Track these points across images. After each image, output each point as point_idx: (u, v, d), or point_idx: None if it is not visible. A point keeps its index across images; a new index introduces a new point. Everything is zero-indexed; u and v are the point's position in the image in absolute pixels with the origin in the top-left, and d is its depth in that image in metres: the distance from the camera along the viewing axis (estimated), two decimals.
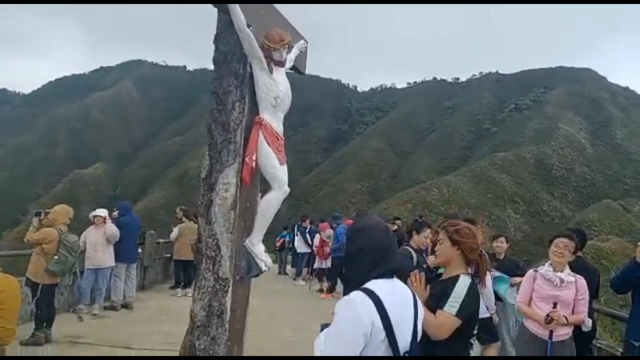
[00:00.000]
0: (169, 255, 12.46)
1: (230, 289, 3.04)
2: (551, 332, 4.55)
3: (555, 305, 4.56)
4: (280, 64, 3.28)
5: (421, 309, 2.47)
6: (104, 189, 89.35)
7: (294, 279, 15.10)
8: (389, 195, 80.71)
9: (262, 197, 3.40)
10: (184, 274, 11.07)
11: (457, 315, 3.06)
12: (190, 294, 10.87)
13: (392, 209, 63.14)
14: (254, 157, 3.09)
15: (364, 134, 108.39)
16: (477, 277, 3.26)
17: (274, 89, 3.18)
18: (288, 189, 3.25)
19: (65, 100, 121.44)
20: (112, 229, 8.85)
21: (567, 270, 4.60)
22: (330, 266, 12.14)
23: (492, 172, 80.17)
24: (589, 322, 4.67)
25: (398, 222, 12.07)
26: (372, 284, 2.23)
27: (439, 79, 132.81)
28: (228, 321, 3.03)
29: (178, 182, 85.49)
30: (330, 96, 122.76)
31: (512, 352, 5.83)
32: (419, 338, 2.37)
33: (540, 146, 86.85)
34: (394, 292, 2.28)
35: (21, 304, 4.76)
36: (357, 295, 2.19)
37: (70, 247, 6.48)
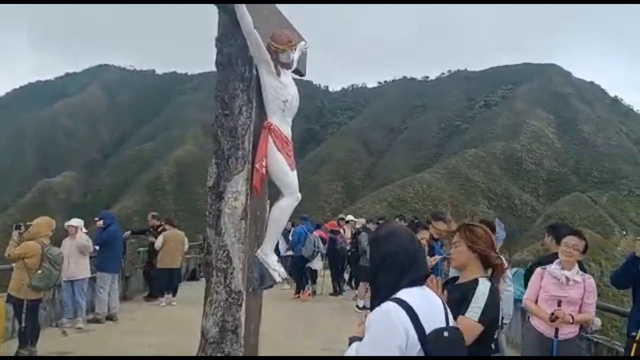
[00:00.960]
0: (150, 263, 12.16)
1: (244, 303, 2.91)
2: (557, 330, 4.52)
3: (559, 304, 4.53)
4: (287, 66, 3.16)
5: (450, 316, 2.40)
6: (74, 197, 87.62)
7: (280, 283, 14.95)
8: (364, 194, 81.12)
9: (270, 204, 3.28)
10: (168, 283, 10.81)
11: (479, 320, 2.98)
12: (174, 303, 10.71)
13: (368, 208, 63.51)
14: (264, 164, 2.96)
15: (337, 133, 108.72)
16: (495, 281, 3.19)
17: (283, 92, 3.06)
18: (300, 195, 3.13)
19: (31, 108, 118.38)
20: (83, 240, 8.51)
21: (576, 269, 4.57)
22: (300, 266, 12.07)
23: (464, 168, 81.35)
24: (598, 322, 4.66)
25: (380, 221, 12.06)
26: (404, 294, 2.14)
27: (409, 77, 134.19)
28: (243, 336, 2.90)
29: (150, 188, 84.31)
30: (302, 97, 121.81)
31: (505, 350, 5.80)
32: None
33: (510, 141, 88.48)
34: (426, 301, 2.20)
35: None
36: (390, 306, 2.10)
37: (54, 261, 6.21)
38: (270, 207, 3.24)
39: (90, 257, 9.29)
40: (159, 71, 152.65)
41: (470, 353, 3.10)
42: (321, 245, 11.95)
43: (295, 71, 3.54)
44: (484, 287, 3.06)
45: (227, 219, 2.95)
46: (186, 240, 11.06)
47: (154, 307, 10.68)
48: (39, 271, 6.04)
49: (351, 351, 2.21)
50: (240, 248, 2.92)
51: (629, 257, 4.45)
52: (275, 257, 3.14)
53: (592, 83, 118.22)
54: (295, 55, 3.28)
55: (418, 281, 2.24)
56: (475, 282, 3.09)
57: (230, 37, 3.05)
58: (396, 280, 2.19)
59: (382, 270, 2.26)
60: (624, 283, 4.53)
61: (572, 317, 4.44)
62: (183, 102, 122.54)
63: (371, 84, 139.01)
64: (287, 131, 3.13)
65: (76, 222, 8.88)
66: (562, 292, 4.54)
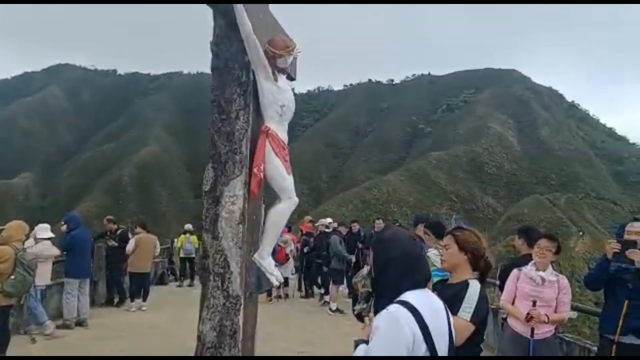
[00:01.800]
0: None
1: (242, 307, 2.91)
2: (533, 330, 4.66)
3: (534, 304, 4.68)
4: (284, 71, 3.18)
5: (451, 317, 2.47)
6: (33, 199, 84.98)
7: None
8: (330, 196, 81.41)
9: (265, 208, 3.29)
10: (140, 287, 10.62)
11: (471, 320, 3.07)
12: (144, 308, 10.53)
13: (334, 210, 63.69)
14: (262, 168, 2.97)
15: (302, 136, 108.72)
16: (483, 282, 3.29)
17: (280, 97, 3.08)
18: (297, 199, 3.15)
19: None
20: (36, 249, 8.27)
21: (550, 269, 4.73)
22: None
23: (428, 170, 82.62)
24: (573, 314, 4.83)
25: (354, 224, 12.10)
26: (409, 296, 2.20)
27: (374, 80, 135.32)
28: (240, 340, 2.90)
29: (111, 190, 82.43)
30: None
31: None
32: (453, 347, 2.37)
33: (472, 145, 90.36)
34: (429, 303, 2.27)
35: None
36: (397, 308, 2.16)
37: (27, 266, 6.02)
38: (266, 212, 3.25)
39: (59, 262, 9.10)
40: (120, 71, 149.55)
41: (462, 352, 3.21)
42: (292, 247, 11.98)
43: (287, 75, 3.56)
44: (474, 288, 3.15)
45: (224, 223, 2.95)
46: (158, 244, 10.89)
47: (124, 312, 10.48)
48: (12, 277, 5.84)
49: (359, 353, 2.26)
50: (238, 252, 2.92)
51: (601, 259, 4.61)
52: (272, 261, 3.16)
53: (550, 88, 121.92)
54: (290, 61, 3.30)
55: (421, 283, 2.31)
56: (465, 283, 3.18)
57: (226, 42, 3.05)
58: (400, 283, 2.25)
59: (386, 273, 2.31)
60: (597, 285, 4.69)
61: (548, 317, 4.58)
62: (146, 103, 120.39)
63: (337, 86, 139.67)
64: (283, 136, 3.15)
65: (43, 227, 8.66)
66: (538, 292, 4.68)
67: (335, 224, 11.88)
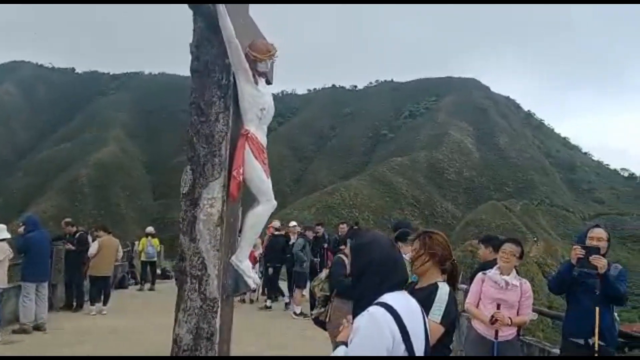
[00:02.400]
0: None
1: (219, 310, 2.91)
2: (497, 332, 4.81)
3: (499, 307, 4.83)
4: (264, 75, 3.21)
5: (426, 318, 2.53)
6: None
7: None
8: (292, 200, 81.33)
9: (242, 211, 3.29)
10: (101, 291, 10.37)
11: (441, 322, 3.15)
12: (105, 312, 10.30)
13: (296, 214, 63.68)
14: (241, 171, 2.98)
15: None
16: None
17: (260, 100, 3.09)
18: (275, 203, 3.17)
19: None
20: None
21: (514, 273, 4.89)
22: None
23: (390, 176, 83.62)
24: (534, 316, 5.01)
25: (319, 227, 12.12)
26: (388, 298, 2.26)
27: (337, 86, 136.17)
28: (217, 343, 2.90)
29: (68, 191, 79.99)
30: None
31: None
32: (429, 348, 2.43)
33: (433, 151, 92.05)
34: (407, 304, 2.33)
35: None
36: (377, 310, 2.21)
37: None
38: (243, 215, 3.26)
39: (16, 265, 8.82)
40: (79, 69, 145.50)
41: (432, 354, 3.29)
42: (261, 250, 11.92)
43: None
44: (443, 291, 3.24)
45: (202, 225, 2.94)
46: (120, 247, 10.68)
47: (84, 317, 10.23)
48: None
49: (338, 354, 2.29)
50: (215, 255, 2.92)
51: (564, 264, 4.78)
52: (249, 264, 3.16)
53: (508, 98, 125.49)
54: (270, 65, 3.33)
55: (399, 286, 2.37)
56: (435, 286, 3.27)
57: (207, 44, 3.05)
58: (379, 285, 2.30)
59: (366, 275, 2.36)
60: (561, 289, 4.86)
61: (511, 320, 4.74)
62: (105, 102, 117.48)
63: (301, 90, 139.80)
64: (262, 139, 3.17)
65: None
66: (502, 295, 4.84)
67: (299, 228, 11.86)
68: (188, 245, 2.96)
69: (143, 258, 15.01)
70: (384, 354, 2.15)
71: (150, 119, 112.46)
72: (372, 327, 2.17)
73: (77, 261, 10.65)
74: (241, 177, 2.99)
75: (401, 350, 2.19)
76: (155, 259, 15.06)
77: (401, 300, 2.30)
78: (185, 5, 2.96)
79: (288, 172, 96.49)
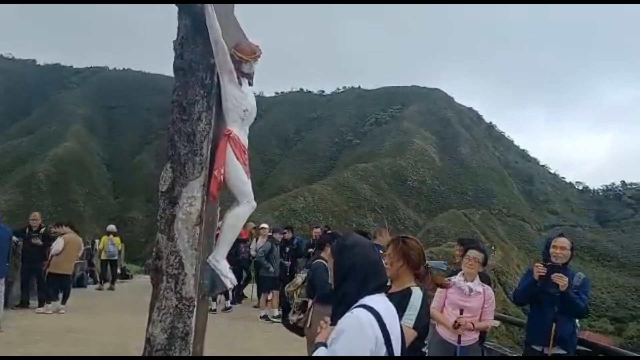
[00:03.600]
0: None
1: (195, 309, 2.89)
2: (459, 337, 4.92)
3: (462, 312, 4.94)
4: (248, 76, 3.21)
5: (400, 322, 2.59)
6: None
7: None
8: (256, 203, 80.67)
9: (220, 211, 3.29)
10: (60, 289, 10.08)
11: (414, 327, 3.20)
12: (62, 311, 9.99)
13: (260, 217, 63.15)
14: (222, 171, 2.97)
15: None
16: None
17: (243, 102, 3.10)
18: (255, 204, 3.18)
19: None
20: None
21: (477, 280, 5.02)
22: None
23: (354, 181, 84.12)
24: (495, 323, 5.15)
25: (287, 231, 12.03)
26: (370, 300, 2.30)
27: (305, 90, 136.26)
28: (191, 343, 2.88)
29: (24, 187, 77.19)
30: None
31: None
32: (405, 351, 2.49)
33: (397, 158, 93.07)
34: (387, 307, 2.38)
35: None
36: (361, 312, 2.24)
37: None
38: (221, 214, 3.25)
39: None
40: (40, 61, 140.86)
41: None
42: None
43: None
44: (417, 296, 3.30)
45: (180, 224, 2.92)
46: (82, 245, 10.39)
47: (40, 315, 9.91)
48: None
49: (319, 352, 2.31)
50: (193, 254, 2.91)
51: (526, 278, 4.91)
52: (227, 264, 3.16)
53: (470, 109, 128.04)
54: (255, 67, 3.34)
55: (379, 288, 2.42)
56: (408, 291, 3.33)
57: (192, 43, 3.04)
58: (361, 288, 2.34)
59: (349, 278, 2.39)
60: (524, 302, 5.01)
61: (473, 325, 4.86)
62: (66, 96, 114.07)
63: (268, 93, 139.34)
64: (244, 140, 3.18)
65: None
66: (465, 301, 4.96)
67: (270, 230, 11.72)
68: (165, 244, 2.94)
69: (103, 257, 14.66)
70: (367, 354, 2.19)
71: (112, 115, 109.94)
72: (356, 328, 2.20)
73: (39, 257, 10.33)
74: (222, 177, 2.99)
75: (382, 352, 2.23)
76: (116, 257, 14.73)
77: (382, 303, 2.34)
78: (163, 5, 2.95)
79: (252, 175, 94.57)
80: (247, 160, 3.18)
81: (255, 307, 11.55)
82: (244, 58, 3.08)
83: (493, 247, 65.04)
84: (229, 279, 3.09)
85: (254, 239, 11.66)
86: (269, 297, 10.40)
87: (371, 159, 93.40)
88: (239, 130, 3.12)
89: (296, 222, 60.78)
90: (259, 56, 3.21)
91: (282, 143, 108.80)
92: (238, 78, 3.09)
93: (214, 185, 2.95)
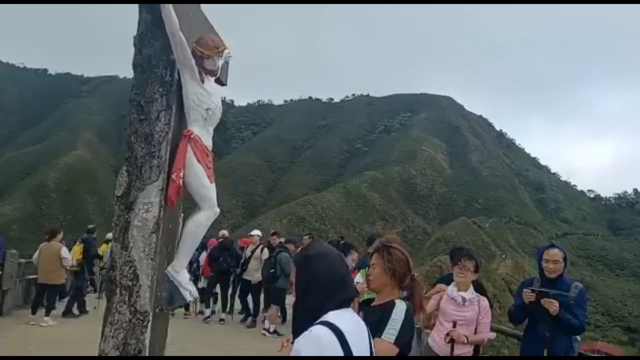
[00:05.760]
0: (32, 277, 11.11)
1: (149, 324, 2.66)
2: (452, 348, 4.65)
3: (455, 324, 4.66)
4: (212, 73, 2.99)
5: (372, 339, 2.36)
6: None
7: None
8: (264, 211, 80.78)
9: (183, 218, 3.06)
10: (48, 299, 9.92)
11: (395, 342, 2.97)
12: (44, 324, 9.73)
13: (268, 224, 63.27)
14: (181, 174, 2.75)
15: (240, 148, 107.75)
16: (411, 303, 3.21)
17: (206, 100, 2.88)
18: (218, 210, 2.95)
19: None
20: None
21: (471, 289, 4.74)
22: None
23: (363, 189, 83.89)
24: (492, 335, 4.87)
25: (275, 237, 11.51)
26: (334, 317, 2.07)
27: (314, 98, 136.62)
28: None
29: (34, 195, 77.82)
30: None
31: None
32: None
33: (406, 166, 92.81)
34: (354, 324, 2.15)
35: None
36: (321, 330, 2.01)
37: None
38: (184, 221, 3.03)
39: None
40: (51, 71, 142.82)
41: None
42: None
43: (216, 80, 3.37)
44: (399, 309, 3.05)
45: (136, 232, 2.70)
46: (64, 253, 10.02)
47: (35, 326, 9.72)
48: None
49: None
50: (149, 264, 2.68)
51: (519, 300, 4.66)
52: (187, 275, 2.93)
53: (480, 116, 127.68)
54: (220, 63, 3.13)
55: (345, 303, 2.18)
56: (391, 304, 3.08)
57: (151, 38, 2.83)
58: (324, 302, 2.11)
59: (309, 291, 2.17)
60: (519, 322, 4.77)
61: (467, 338, 4.58)
62: (77, 105, 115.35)
63: (277, 101, 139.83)
64: (207, 141, 2.95)
65: None
66: (459, 312, 4.68)
67: (258, 237, 11.22)
68: (119, 253, 2.71)
69: (103, 265, 14.45)
70: None
71: (123, 124, 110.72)
72: (313, 349, 1.98)
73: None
74: (181, 181, 2.77)
75: None
76: None
77: (347, 319, 2.11)
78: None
79: (261, 183, 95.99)
80: (211, 163, 2.95)
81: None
82: (206, 53, 2.87)
83: (504, 256, 64.39)
84: (189, 291, 2.86)
85: (259, 248, 10.94)
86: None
87: (380, 166, 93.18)
88: (201, 131, 2.89)
89: (305, 229, 60.57)
90: (222, 51, 2.99)
91: (291, 151, 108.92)
92: (200, 74, 2.87)
93: (172, 190, 2.73)
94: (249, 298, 11.01)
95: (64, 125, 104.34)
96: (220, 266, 10.69)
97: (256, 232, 11.38)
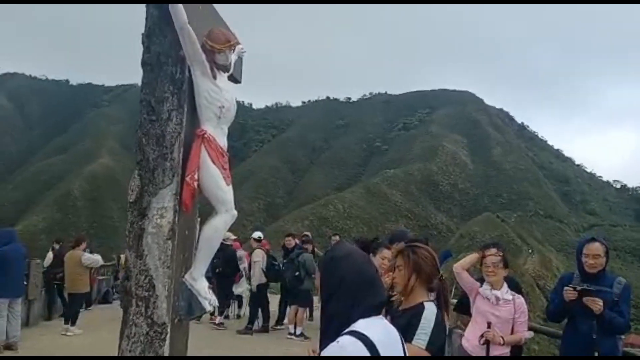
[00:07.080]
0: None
1: (168, 336, 2.52)
2: (488, 351, 4.43)
3: (489, 325, 4.45)
4: (224, 68, 2.83)
5: (406, 349, 2.17)
6: None
7: None
8: (286, 213, 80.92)
9: (201, 222, 2.91)
10: (71, 308, 9.96)
11: (427, 348, 2.79)
12: (69, 332, 9.70)
13: (290, 226, 63.26)
14: (196, 177, 2.60)
15: (259, 151, 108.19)
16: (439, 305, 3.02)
17: (218, 97, 2.72)
18: (236, 213, 2.79)
19: None
20: None
21: (505, 287, 4.52)
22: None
23: (383, 188, 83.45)
24: (529, 334, 4.65)
25: (290, 239, 11.31)
26: (363, 325, 1.89)
27: (331, 98, 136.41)
28: None
29: (60, 204, 79.19)
30: None
31: None
32: None
33: (427, 163, 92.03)
34: (386, 334, 1.96)
35: None
36: (348, 341, 1.84)
37: None
38: (201, 226, 2.88)
39: None
40: (73, 81, 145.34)
41: None
42: (245, 264, 11.30)
43: (230, 77, 3.22)
44: (429, 312, 2.89)
45: (150, 239, 2.56)
46: (85, 260, 9.95)
47: (62, 335, 9.72)
48: None
49: None
50: (165, 273, 2.54)
51: (557, 295, 4.41)
52: (205, 283, 2.77)
53: (501, 110, 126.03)
54: (233, 58, 2.97)
55: (375, 309, 2.00)
56: (420, 307, 2.91)
57: (159, 34, 2.69)
58: (352, 307, 1.94)
59: (337, 296, 1.99)
60: (558, 320, 4.53)
61: (503, 339, 4.35)
62: (99, 114, 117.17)
63: (295, 102, 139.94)
64: (222, 141, 2.80)
65: None
66: (493, 311, 4.47)
67: (261, 239, 11.06)
68: (134, 262, 2.57)
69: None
70: None
71: None
72: None
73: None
74: (195, 184, 2.62)
75: None
76: None
77: (377, 328, 1.92)
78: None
79: (281, 184, 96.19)
80: (227, 164, 2.79)
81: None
82: (217, 47, 2.71)
83: (530, 251, 63.34)
84: (208, 300, 2.71)
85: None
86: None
87: (400, 164, 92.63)
88: (215, 130, 2.74)
89: (327, 230, 60.51)
90: (234, 45, 2.83)
91: (310, 151, 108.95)
92: (212, 70, 2.71)
93: (187, 194, 2.58)
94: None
95: (87, 134, 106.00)
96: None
97: (257, 234, 11.19)
